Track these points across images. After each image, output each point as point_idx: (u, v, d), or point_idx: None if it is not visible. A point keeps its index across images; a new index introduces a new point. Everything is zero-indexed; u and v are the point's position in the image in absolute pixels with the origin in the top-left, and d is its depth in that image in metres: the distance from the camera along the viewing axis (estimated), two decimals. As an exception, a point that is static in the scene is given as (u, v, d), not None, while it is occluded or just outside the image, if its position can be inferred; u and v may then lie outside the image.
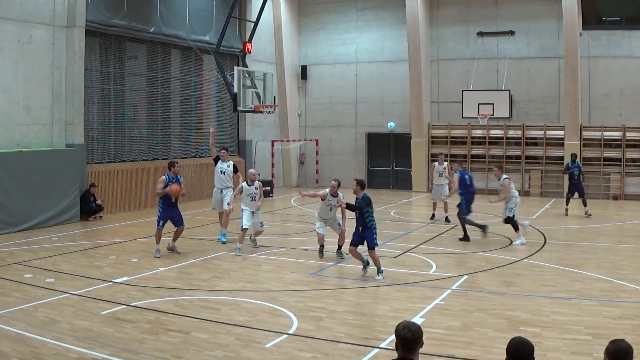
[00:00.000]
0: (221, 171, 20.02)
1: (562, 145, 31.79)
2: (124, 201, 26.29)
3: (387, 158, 35.99)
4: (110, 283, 14.15)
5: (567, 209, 25.71)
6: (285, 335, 10.62)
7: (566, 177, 26.51)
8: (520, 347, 5.24)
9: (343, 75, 37.11)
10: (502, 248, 18.51)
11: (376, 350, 9.96)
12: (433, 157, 33.49)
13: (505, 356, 5.26)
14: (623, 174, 30.96)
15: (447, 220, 23.49)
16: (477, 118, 31.64)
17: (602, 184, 31.26)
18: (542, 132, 32.61)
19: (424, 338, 5.46)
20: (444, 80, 34.62)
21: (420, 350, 5.44)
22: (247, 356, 9.66)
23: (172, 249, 17.59)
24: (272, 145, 34.63)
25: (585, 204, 25.31)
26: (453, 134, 34.40)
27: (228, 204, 19.62)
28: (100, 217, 24.09)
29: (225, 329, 10.90)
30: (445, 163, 24.36)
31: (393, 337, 10.02)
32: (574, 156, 26.20)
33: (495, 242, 19.40)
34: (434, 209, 24.76)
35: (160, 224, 17.31)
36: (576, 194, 25.66)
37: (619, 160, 31.08)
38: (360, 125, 36.89)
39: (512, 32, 32.90)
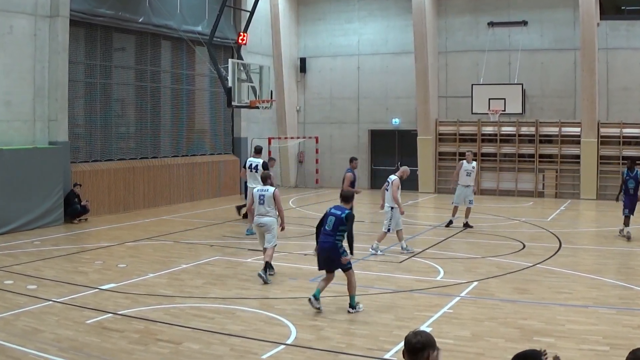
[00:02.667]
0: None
1: (579, 143, 31.77)
2: (110, 203, 26.28)
3: (392, 157, 35.95)
4: (97, 290, 14.15)
5: (622, 230, 21.38)
6: (282, 346, 10.62)
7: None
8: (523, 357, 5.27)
9: (345, 68, 37.11)
10: (514, 253, 18.50)
11: (380, 361, 9.99)
12: (441, 155, 33.55)
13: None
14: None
15: (465, 225, 22.81)
16: (487, 114, 31.68)
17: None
18: (557, 129, 32.59)
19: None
20: (453, 73, 34.62)
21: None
22: (243, 368, 9.68)
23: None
24: (269, 143, 34.62)
25: (627, 223, 21.23)
26: (462, 130, 34.38)
27: None
28: (86, 219, 24.08)
29: (219, 339, 10.90)
30: (474, 162, 23.43)
31: (398, 347, 10.07)
32: (629, 163, 22.51)
33: (507, 247, 19.40)
34: (453, 214, 23.41)
35: None
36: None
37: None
38: (363, 121, 36.90)
39: (525, 22, 32.89)
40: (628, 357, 5.30)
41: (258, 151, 20.69)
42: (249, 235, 19.97)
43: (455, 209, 23.33)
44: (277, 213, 15.75)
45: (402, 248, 18.64)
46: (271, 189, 15.84)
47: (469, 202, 23.00)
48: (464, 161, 23.33)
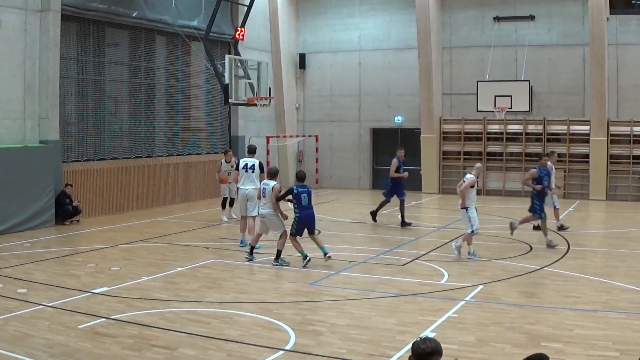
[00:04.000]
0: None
1: (588, 141, 31.78)
2: (103, 204, 26.31)
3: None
4: (89, 294, 14.16)
5: None
6: (281, 352, 10.62)
7: None
8: None
9: (345, 64, 37.13)
10: (521, 255, 18.51)
11: (382, 367, 10.00)
12: (445, 154, 33.57)
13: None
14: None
15: (562, 228, 22.68)
16: (493, 112, 31.74)
17: (631, 184, 31.25)
18: (565, 127, 32.59)
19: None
20: (457, 70, 34.64)
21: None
22: (240, 374, 9.69)
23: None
24: (267, 142, 34.63)
25: None
26: (467, 129, 34.40)
27: None
28: (78, 221, 24.08)
29: (215, 345, 10.91)
30: (550, 163, 22.99)
31: (400, 353, 10.08)
32: None
33: (513, 249, 19.42)
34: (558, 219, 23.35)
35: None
36: None
37: (651, 158, 31.13)
38: (364, 119, 36.92)
39: (532, 17, 32.91)
40: (637, 362, 5.35)
41: (252, 151, 20.71)
42: (243, 247, 19.69)
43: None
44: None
45: (468, 253, 18.26)
46: (272, 182, 17.49)
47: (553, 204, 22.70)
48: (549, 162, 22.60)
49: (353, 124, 37.09)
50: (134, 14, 27.43)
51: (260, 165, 20.15)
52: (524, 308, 13.23)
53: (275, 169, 18.29)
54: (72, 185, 24.29)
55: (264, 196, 17.49)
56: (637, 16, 31.50)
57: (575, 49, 32.24)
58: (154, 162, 28.94)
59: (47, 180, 23.16)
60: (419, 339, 5.50)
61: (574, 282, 15.48)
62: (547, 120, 32.76)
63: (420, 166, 34.20)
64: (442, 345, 5.47)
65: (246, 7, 28.55)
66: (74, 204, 23.97)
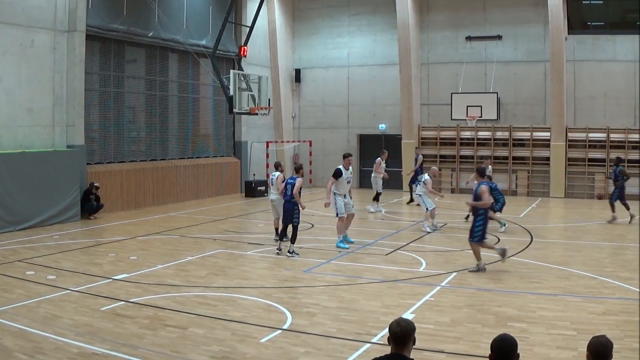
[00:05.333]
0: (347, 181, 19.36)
1: (548, 146, 31.85)
2: (123, 201, 26.27)
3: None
4: (110, 280, 14.15)
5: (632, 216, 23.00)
6: (279, 331, 10.63)
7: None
8: (504, 344, 5.31)
9: (336, 78, 37.09)
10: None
11: (368, 345, 9.98)
12: (424, 158, 33.58)
13: (490, 352, 5.32)
14: (607, 174, 30.94)
15: (467, 218, 22.74)
16: (465, 120, 31.74)
17: (587, 184, 31.30)
18: (528, 134, 32.63)
19: (415, 334, 5.53)
20: (434, 83, 34.63)
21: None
22: (243, 351, 9.67)
23: None
24: (267, 146, 34.57)
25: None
26: (442, 135, 34.39)
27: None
28: (95, 217, 23.95)
29: (221, 325, 10.91)
30: (490, 167, 23.49)
31: (384, 332, 10.08)
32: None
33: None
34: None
35: None
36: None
37: (604, 160, 31.11)
38: (352, 126, 36.89)
39: (499, 37, 32.93)
40: (590, 341, 5.38)
41: (276, 166, 20.38)
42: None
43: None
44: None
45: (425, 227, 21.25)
46: (277, 173, 19.15)
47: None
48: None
49: (342, 130, 37.04)
50: (150, 34, 27.42)
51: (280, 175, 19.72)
52: (493, 292, 13.24)
53: (278, 162, 19.96)
54: (99, 187, 24.21)
55: (272, 185, 19.10)
56: (592, 36, 31.54)
57: (538, 64, 32.24)
58: (167, 164, 28.89)
59: (74, 180, 23.12)
60: (393, 322, 5.55)
61: (537, 270, 15.49)
62: (513, 128, 32.77)
63: (401, 168, 34.15)
64: (421, 325, 5.49)
65: (249, 28, 28.52)
66: (99, 202, 24.00)
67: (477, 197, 15.49)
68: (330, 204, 18.75)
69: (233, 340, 10.13)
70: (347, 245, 18.21)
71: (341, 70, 36.97)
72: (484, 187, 15.48)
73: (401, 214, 26.54)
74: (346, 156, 19.07)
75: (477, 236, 15.28)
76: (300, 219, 17.37)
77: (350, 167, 19.05)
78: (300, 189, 17.34)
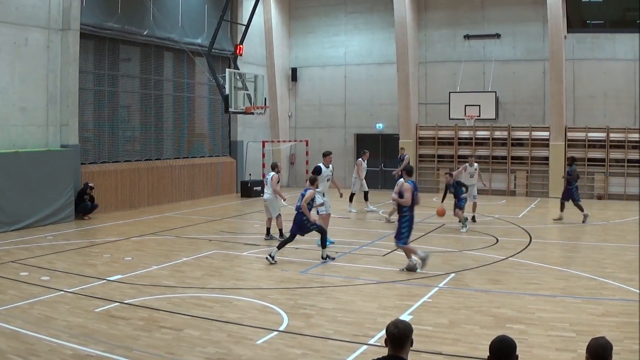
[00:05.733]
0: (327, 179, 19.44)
1: (547, 146, 31.89)
2: (117, 201, 26.25)
3: (376, 158, 35.86)
4: (104, 281, 14.15)
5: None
6: (275, 332, 10.64)
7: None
8: (502, 345, 5.31)
9: (333, 77, 37.11)
10: (488, 247, 18.55)
11: (365, 347, 9.99)
12: (421, 157, 33.59)
13: (488, 354, 5.33)
14: (607, 174, 31.05)
15: (473, 220, 23.08)
16: (463, 119, 31.76)
17: (586, 184, 31.29)
18: (527, 133, 32.67)
19: (412, 336, 5.54)
20: (432, 82, 34.65)
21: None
22: (239, 352, 9.68)
23: None
24: (263, 146, 34.55)
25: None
26: (440, 134, 34.41)
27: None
28: (89, 218, 23.96)
29: (217, 326, 10.91)
30: (476, 164, 23.81)
31: (381, 334, 10.08)
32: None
33: (481, 241, 19.47)
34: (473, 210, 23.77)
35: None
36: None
37: (603, 160, 31.16)
38: (349, 126, 36.91)
39: (498, 35, 32.97)
40: (589, 342, 5.39)
41: (272, 167, 20.50)
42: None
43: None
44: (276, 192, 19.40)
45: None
46: (272, 173, 19.60)
47: (473, 197, 23.37)
48: (467, 165, 23.97)
49: (339, 130, 37.06)
50: (144, 33, 27.41)
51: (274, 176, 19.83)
52: (491, 294, 13.25)
53: (274, 163, 20.48)
54: (93, 188, 24.20)
55: (266, 184, 19.73)
56: (591, 35, 31.59)
57: (537, 63, 32.28)
58: (162, 164, 28.87)
59: (68, 180, 23.12)
60: (391, 325, 5.57)
61: (535, 271, 15.52)
62: (512, 127, 32.79)
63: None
64: (419, 326, 5.49)
65: (244, 26, 28.50)
66: (93, 202, 23.99)
67: (402, 195, 15.43)
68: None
69: (229, 342, 10.13)
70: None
71: (338, 69, 36.98)
72: (407, 186, 15.47)
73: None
74: (326, 154, 19.56)
75: (404, 238, 15.38)
76: (313, 224, 16.81)
77: (331, 165, 19.42)
78: (313, 200, 17.19)
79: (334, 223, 19.06)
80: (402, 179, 16.34)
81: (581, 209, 23.17)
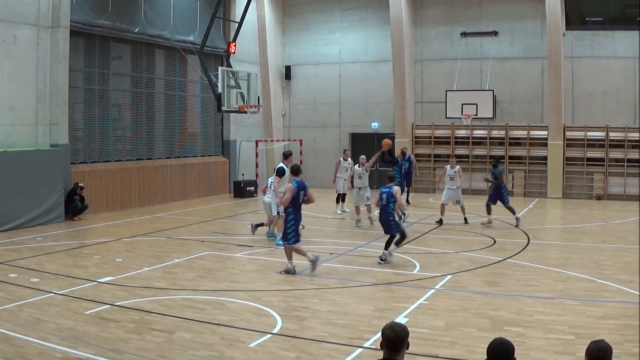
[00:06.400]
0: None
1: (546, 145, 31.90)
2: (108, 201, 26.22)
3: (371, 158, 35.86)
4: (95, 283, 14.13)
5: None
6: (269, 335, 10.63)
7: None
8: (500, 348, 5.31)
9: (327, 75, 37.11)
10: (485, 248, 18.56)
11: (360, 350, 9.99)
12: (417, 157, 33.58)
13: (486, 357, 5.32)
14: (606, 174, 31.09)
15: (465, 221, 22.93)
16: (460, 118, 31.74)
17: (585, 184, 31.37)
18: (525, 132, 32.71)
19: (408, 339, 5.54)
20: (428, 80, 34.68)
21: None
22: (231, 356, 9.67)
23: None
24: (256, 145, 34.54)
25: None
26: (436, 134, 34.43)
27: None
28: (79, 218, 23.93)
29: (209, 329, 10.90)
30: (457, 166, 23.32)
31: (377, 336, 10.08)
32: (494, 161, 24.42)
33: (479, 242, 19.48)
34: (442, 213, 23.33)
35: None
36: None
37: (603, 160, 31.20)
38: (344, 125, 36.92)
39: (495, 33, 33.00)
40: (589, 345, 5.39)
41: (285, 156, 20.76)
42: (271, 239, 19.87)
43: (443, 207, 23.28)
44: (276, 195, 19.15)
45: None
46: (271, 178, 19.97)
47: (456, 202, 23.14)
48: (448, 166, 23.58)
49: (334, 129, 37.07)
50: (135, 30, 27.39)
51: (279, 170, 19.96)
52: (488, 296, 13.25)
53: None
54: (83, 188, 24.17)
55: (269, 187, 19.87)
56: (590, 32, 31.62)
57: (535, 61, 32.33)
58: (153, 163, 28.86)
59: (57, 180, 23.07)
60: (387, 328, 5.57)
61: (534, 272, 15.53)
62: (509, 126, 32.83)
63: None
64: (415, 329, 5.49)
65: (237, 24, 28.50)
66: (84, 203, 23.97)
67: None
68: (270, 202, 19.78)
69: (221, 345, 10.12)
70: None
71: (333, 67, 36.98)
72: (289, 186, 15.68)
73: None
74: (287, 156, 20.40)
75: (291, 238, 15.33)
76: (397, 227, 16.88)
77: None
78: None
79: (326, 224, 19.03)
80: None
81: (513, 212, 22.51)
